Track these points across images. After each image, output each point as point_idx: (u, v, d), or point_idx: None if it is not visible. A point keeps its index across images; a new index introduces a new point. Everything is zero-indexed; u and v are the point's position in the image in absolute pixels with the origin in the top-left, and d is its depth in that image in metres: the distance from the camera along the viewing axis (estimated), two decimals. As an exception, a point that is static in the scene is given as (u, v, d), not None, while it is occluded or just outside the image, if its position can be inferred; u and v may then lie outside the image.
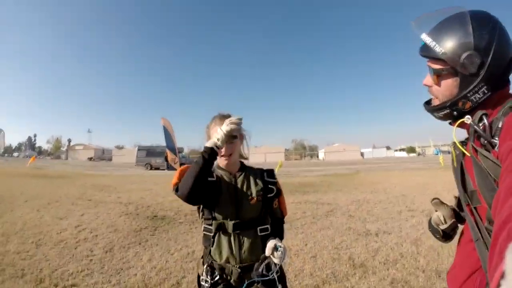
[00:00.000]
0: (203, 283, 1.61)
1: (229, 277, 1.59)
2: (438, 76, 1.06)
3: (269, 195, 1.70)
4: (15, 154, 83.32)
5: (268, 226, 1.69)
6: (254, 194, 1.65)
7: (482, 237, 0.95)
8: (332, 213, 7.22)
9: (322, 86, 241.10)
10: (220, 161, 1.69)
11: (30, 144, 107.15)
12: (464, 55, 0.96)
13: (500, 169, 0.78)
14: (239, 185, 1.67)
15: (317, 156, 71.23)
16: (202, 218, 1.66)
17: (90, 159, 69.19)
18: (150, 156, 32.04)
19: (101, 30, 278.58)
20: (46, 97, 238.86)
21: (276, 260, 1.51)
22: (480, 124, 0.94)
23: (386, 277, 3.50)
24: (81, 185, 13.66)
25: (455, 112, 1.06)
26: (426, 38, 1.04)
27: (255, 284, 1.57)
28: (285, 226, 5.40)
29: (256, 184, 1.69)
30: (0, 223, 6.17)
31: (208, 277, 1.59)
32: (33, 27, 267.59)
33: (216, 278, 1.58)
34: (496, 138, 0.87)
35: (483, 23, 0.96)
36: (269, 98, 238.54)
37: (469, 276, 1.03)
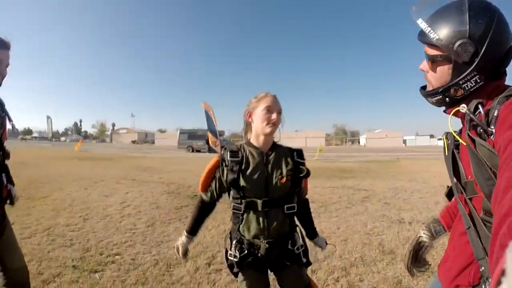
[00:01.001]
0: (231, 257, 1.71)
1: (256, 252, 1.67)
2: (433, 62, 1.07)
3: (300, 175, 1.71)
4: (62, 138, 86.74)
5: (295, 204, 1.74)
6: (284, 174, 1.67)
7: (474, 225, 0.96)
8: (368, 199, 7.20)
9: (365, 69, 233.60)
10: (264, 129, 1.66)
11: (76, 129, 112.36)
12: (458, 43, 0.96)
13: (496, 157, 0.79)
14: (270, 165, 1.68)
15: (358, 142, 69.57)
16: (230, 197, 1.74)
17: (134, 142, 71.21)
18: (191, 139, 32.87)
19: (142, 12, 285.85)
20: (90, 83, 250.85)
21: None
22: (476, 113, 0.93)
23: (413, 266, 3.50)
24: (125, 166, 14.37)
25: (447, 99, 1.07)
26: (422, 23, 1.05)
27: (281, 257, 1.70)
28: (320, 209, 5.51)
29: (286, 163, 1.71)
30: (50, 200, 6.72)
31: (237, 252, 1.68)
32: (73, 14, 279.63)
33: (244, 253, 1.67)
34: (492, 127, 0.87)
35: (481, 12, 0.95)
36: (311, 81, 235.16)
37: (463, 269, 1.04)
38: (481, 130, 0.91)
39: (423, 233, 1.44)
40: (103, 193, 7.58)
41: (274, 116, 1.64)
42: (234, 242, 1.71)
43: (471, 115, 0.92)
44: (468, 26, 0.94)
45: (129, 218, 5.41)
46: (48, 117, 37.53)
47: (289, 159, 1.72)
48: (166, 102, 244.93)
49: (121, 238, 4.35)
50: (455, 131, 1.12)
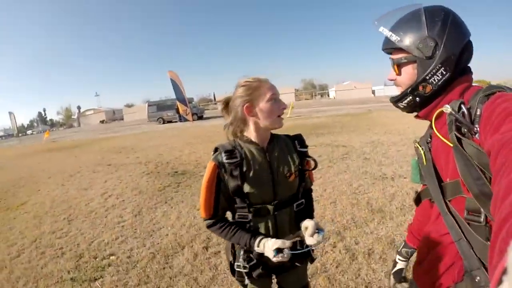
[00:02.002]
0: (239, 269, 1.52)
1: (266, 259, 1.43)
2: (398, 65, 1.12)
3: (308, 169, 1.54)
4: (29, 132, 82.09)
5: (303, 200, 1.57)
6: (292, 169, 1.47)
7: (465, 236, 0.97)
8: (348, 156, 7.35)
9: (331, 19, 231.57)
10: (273, 123, 1.43)
11: (41, 119, 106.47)
12: (418, 40, 1.02)
13: (484, 156, 0.83)
14: (275, 161, 1.46)
15: (328, 95, 70.09)
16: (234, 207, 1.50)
17: (102, 121, 68.14)
18: (161, 111, 32.12)
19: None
20: (48, 69, 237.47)
21: (313, 241, 1.34)
22: (459, 113, 0.95)
23: (402, 222, 3.65)
24: (98, 151, 13.78)
25: (417, 98, 1.11)
26: (384, 30, 1.11)
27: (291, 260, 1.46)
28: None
29: (291, 157, 1.50)
30: (30, 206, 6.30)
31: (245, 263, 1.49)
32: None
33: (253, 262, 1.50)
34: (476, 126, 0.90)
35: (436, 13, 1.02)
36: (276, 34, 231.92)
37: (447, 269, 1.05)
38: (465, 130, 0.93)
39: (398, 260, 1.51)
40: (82, 186, 7.25)
41: (284, 105, 1.45)
42: (241, 252, 1.51)
43: (457, 115, 0.94)
44: (426, 25, 1.02)
45: (114, 210, 5.25)
46: (10, 113, 35.45)
47: (292, 152, 1.52)
48: (129, 76, 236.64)
49: (111, 235, 4.22)
50: (421, 138, 1.22)
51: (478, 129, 0.89)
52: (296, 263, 1.56)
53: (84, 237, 4.30)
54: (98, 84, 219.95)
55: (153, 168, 8.28)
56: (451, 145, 0.96)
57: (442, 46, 1.00)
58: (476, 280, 0.93)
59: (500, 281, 0.28)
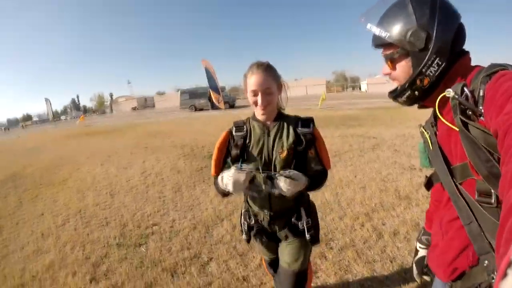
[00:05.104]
0: (243, 225, 1.84)
1: (262, 222, 1.77)
2: (392, 60, 1.09)
3: (299, 148, 1.59)
4: (63, 117, 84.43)
5: None
6: (285, 147, 1.58)
7: (476, 219, 0.94)
8: (378, 147, 7.46)
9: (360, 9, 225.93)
10: (257, 112, 1.64)
11: (75, 105, 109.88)
12: (409, 33, 0.99)
13: (491, 137, 0.81)
14: (271, 138, 1.62)
15: (359, 88, 68.69)
16: None
17: (134, 108, 68.83)
18: (193, 98, 32.59)
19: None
20: (80, 57, 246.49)
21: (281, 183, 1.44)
22: (462, 96, 0.92)
23: (427, 210, 3.80)
24: (133, 135, 14.20)
25: (416, 92, 1.07)
26: (372, 27, 1.07)
27: (284, 230, 1.72)
28: (335, 159, 5.61)
29: (288, 136, 1.61)
30: (71, 182, 6.79)
31: (245, 220, 1.80)
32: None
33: (252, 223, 1.78)
34: (481, 107, 0.87)
35: (422, 0, 0.98)
36: (307, 25, 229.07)
37: (460, 252, 1.02)
38: (470, 112, 0.90)
39: (419, 247, 1.49)
40: (121, 166, 7.72)
41: (259, 100, 1.55)
42: (243, 211, 1.85)
43: (460, 99, 0.91)
44: (414, 16, 0.98)
45: (154, 187, 5.62)
46: (46, 99, 37.30)
47: (291, 130, 1.63)
48: (160, 65, 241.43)
49: (153, 208, 4.56)
50: (427, 123, 1.21)
51: (482, 110, 0.86)
52: (287, 234, 1.73)
53: (127, 209, 4.66)
54: (130, 73, 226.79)
55: (189, 151, 8.65)
56: (457, 129, 0.92)
57: (434, 35, 0.96)
58: (485, 265, 0.91)
59: (505, 274, 0.28)
